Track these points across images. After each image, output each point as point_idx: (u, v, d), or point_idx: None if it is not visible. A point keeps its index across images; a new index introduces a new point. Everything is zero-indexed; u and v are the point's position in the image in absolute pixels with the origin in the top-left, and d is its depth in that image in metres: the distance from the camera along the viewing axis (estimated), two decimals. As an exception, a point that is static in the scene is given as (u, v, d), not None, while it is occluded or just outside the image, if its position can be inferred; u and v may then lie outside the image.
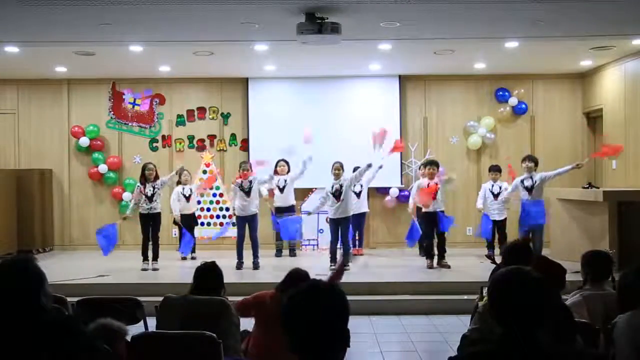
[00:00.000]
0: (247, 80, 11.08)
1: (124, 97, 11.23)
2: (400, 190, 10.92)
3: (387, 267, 9.09)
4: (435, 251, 8.95)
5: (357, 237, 10.19)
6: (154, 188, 8.82)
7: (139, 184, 8.96)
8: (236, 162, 10.23)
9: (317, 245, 10.83)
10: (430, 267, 8.80)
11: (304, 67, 10.28)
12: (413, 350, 6.05)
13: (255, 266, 8.88)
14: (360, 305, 6.71)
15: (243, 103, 11.20)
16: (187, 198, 9.80)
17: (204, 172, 10.66)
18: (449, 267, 8.76)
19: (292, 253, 10.17)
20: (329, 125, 10.61)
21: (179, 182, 9.85)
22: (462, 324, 6.37)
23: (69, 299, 4.46)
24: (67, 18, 6.86)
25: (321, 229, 10.72)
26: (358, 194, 9.68)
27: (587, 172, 10.35)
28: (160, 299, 4.19)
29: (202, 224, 10.70)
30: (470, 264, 9.03)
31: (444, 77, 11.04)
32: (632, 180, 9.23)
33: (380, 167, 9.11)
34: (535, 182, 8.55)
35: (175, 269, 9.12)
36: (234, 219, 9.50)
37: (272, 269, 8.76)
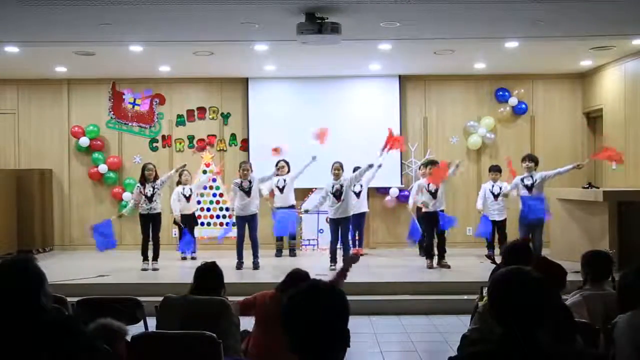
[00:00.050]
0: (247, 80, 11.08)
1: (124, 97, 11.23)
2: (400, 190, 10.93)
3: (387, 267, 9.09)
4: (435, 251, 8.95)
5: (357, 237, 10.19)
6: (153, 188, 8.82)
7: (138, 184, 8.96)
8: (236, 162, 10.22)
9: (317, 245, 10.83)
10: (430, 267, 8.80)
11: (304, 67, 10.28)
12: (413, 350, 6.05)
13: (255, 266, 8.88)
14: (360, 305, 6.72)
15: (243, 103, 11.20)
16: (187, 198, 9.80)
17: (204, 172, 10.65)
18: (448, 267, 8.77)
19: (292, 253, 10.17)
20: (328, 125, 10.51)
21: (179, 182, 9.85)
22: (462, 324, 6.37)
23: (69, 299, 4.46)
24: (67, 18, 6.86)
25: (321, 229, 10.72)
26: (358, 194, 9.68)
27: (587, 172, 10.35)
28: (160, 299, 4.19)
29: (202, 224, 10.70)
30: (470, 264, 9.03)
31: (444, 77, 11.04)
32: (632, 180, 9.22)
33: (380, 166, 9.11)
34: (536, 181, 8.55)
35: (175, 269, 9.12)
36: (234, 219, 9.50)
37: (272, 269, 8.76)
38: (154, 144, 11.23)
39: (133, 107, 11.24)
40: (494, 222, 9.54)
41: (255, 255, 8.92)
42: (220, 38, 7.88)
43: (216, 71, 10.62)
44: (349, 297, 2.02)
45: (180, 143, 11.20)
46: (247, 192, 8.89)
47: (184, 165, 9.50)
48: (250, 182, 8.93)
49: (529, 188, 8.61)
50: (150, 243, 8.96)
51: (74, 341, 2.51)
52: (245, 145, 11.14)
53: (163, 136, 11.24)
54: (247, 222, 8.96)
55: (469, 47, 8.99)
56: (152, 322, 4.34)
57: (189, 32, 7.64)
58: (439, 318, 7.10)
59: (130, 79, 11.10)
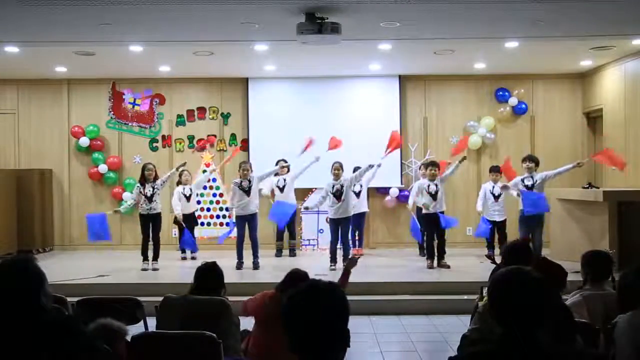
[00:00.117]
0: (247, 80, 11.08)
1: (124, 97, 11.23)
2: (400, 190, 10.93)
3: (387, 267, 9.09)
4: (435, 251, 8.95)
5: (357, 237, 10.19)
6: (153, 188, 8.82)
7: (138, 184, 8.96)
8: (236, 162, 10.21)
9: (317, 245, 10.83)
10: (430, 267, 8.81)
11: (304, 67, 10.28)
12: (413, 350, 6.05)
13: (255, 266, 8.88)
14: (360, 305, 6.71)
15: (243, 103, 11.20)
16: (188, 198, 9.80)
17: (204, 171, 10.65)
18: (448, 267, 8.77)
19: (292, 253, 10.17)
20: (329, 125, 10.60)
21: (179, 182, 9.85)
22: (462, 324, 6.37)
23: (69, 299, 4.46)
24: (67, 18, 6.86)
25: (321, 229, 10.72)
26: (357, 194, 9.68)
27: (587, 172, 10.35)
28: (160, 299, 4.19)
29: (202, 224, 10.71)
30: (470, 264, 9.03)
31: (444, 77, 11.04)
32: (632, 180, 9.22)
33: (379, 165, 9.10)
34: (536, 181, 8.55)
35: (175, 269, 9.12)
36: (234, 219, 9.50)
37: (272, 269, 8.76)
38: (154, 144, 11.23)
39: (133, 107, 11.24)
40: (494, 223, 9.55)
41: (255, 255, 8.92)
42: (220, 38, 7.88)
43: (216, 71, 10.62)
44: (349, 297, 2.02)
45: (180, 143, 11.20)
46: (247, 192, 8.89)
47: (184, 164, 9.48)
48: (250, 181, 8.93)
49: (530, 188, 8.60)
50: (150, 243, 8.96)
51: (74, 341, 2.51)
52: (245, 145, 11.14)
53: (163, 136, 11.24)
54: (247, 222, 8.96)
55: (469, 47, 8.99)
56: (152, 322, 4.34)
57: (189, 32, 7.64)
58: (439, 318, 7.10)
59: (130, 79, 11.10)
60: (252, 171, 9.07)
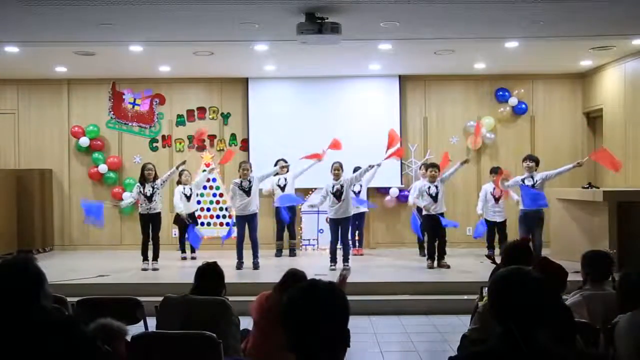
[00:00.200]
0: (247, 80, 11.08)
1: (124, 97, 11.23)
2: (400, 190, 10.93)
3: (387, 267, 9.09)
4: (435, 252, 8.95)
5: (357, 237, 10.20)
6: (153, 188, 8.82)
7: (138, 184, 8.96)
8: (236, 162, 10.21)
9: (317, 245, 10.83)
10: (431, 267, 8.81)
11: (304, 67, 10.28)
12: (413, 350, 6.04)
13: (255, 266, 8.88)
14: (360, 305, 6.71)
15: (243, 103, 11.20)
16: (188, 198, 9.80)
17: (204, 171, 10.64)
18: (448, 267, 8.77)
19: (292, 253, 10.16)
20: (329, 126, 10.61)
21: (179, 182, 9.85)
22: (462, 324, 6.37)
23: (69, 299, 4.46)
24: (67, 18, 6.86)
25: (321, 229, 10.72)
26: (357, 194, 9.68)
27: (587, 172, 10.35)
28: (160, 299, 4.19)
29: (202, 224, 10.71)
30: (470, 264, 9.03)
31: (444, 77, 11.04)
32: (632, 180, 9.23)
33: (379, 165, 9.11)
34: (536, 181, 8.54)
35: (175, 269, 9.12)
36: (234, 219, 9.50)
37: (272, 269, 8.75)
38: (154, 144, 11.23)
39: (133, 107, 11.24)
40: (494, 223, 9.57)
41: (255, 255, 8.92)
42: (220, 38, 7.88)
43: (216, 71, 10.62)
44: (349, 297, 2.02)
45: (180, 143, 11.20)
46: (247, 192, 8.89)
47: (184, 162, 9.47)
48: (250, 181, 8.92)
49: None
50: (150, 243, 8.96)
51: (74, 341, 2.51)
52: (245, 145, 11.14)
53: (163, 136, 11.24)
54: (247, 222, 8.96)
55: (469, 47, 8.99)
56: (152, 322, 4.34)
57: (189, 32, 7.64)
58: (439, 318, 7.10)
59: (130, 79, 11.10)
60: (252, 171, 9.07)
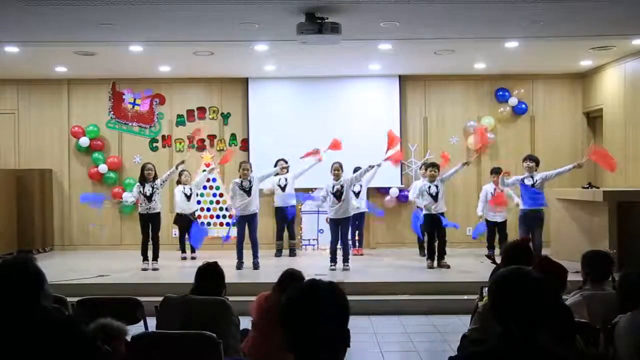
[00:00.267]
0: (247, 80, 11.08)
1: (124, 97, 11.23)
2: (400, 190, 10.93)
3: (387, 267, 9.09)
4: (435, 252, 8.95)
5: (357, 237, 10.20)
6: (153, 188, 8.82)
7: (138, 183, 8.96)
8: (236, 162, 10.21)
9: (317, 245, 10.83)
10: (431, 267, 8.81)
11: (304, 67, 10.28)
12: (413, 350, 6.04)
13: (255, 266, 8.88)
14: (360, 305, 6.70)
15: (243, 103, 11.20)
16: (188, 197, 9.81)
17: (204, 171, 10.64)
18: (448, 267, 8.77)
19: (292, 253, 10.16)
20: (329, 126, 10.61)
21: (179, 182, 9.86)
22: (462, 324, 6.37)
23: (69, 299, 4.46)
24: (67, 18, 6.86)
25: (321, 229, 10.72)
26: (357, 194, 9.68)
27: (587, 172, 10.35)
28: (160, 299, 4.19)
29: (202, 224, 10.70)
30: (470, 264, 9.03)
31: (444, 77, 11.04)
32: (632, 180, 9.23)
33: (379, 165, 9.10)
34: (536, 181, 8.53)
35: (175, 269, 9.12)
36: (234, 219, 9.50)
37: (272, 269, 8.73)
38: (154, 144, 11.23)
39: (133, 107, 11.24)
40: (495, 223, 9.58)
41: (255, 255, 8.92)
42: (220, 38, 7.88)
43: (216, 71, 10.62)
44: (349, 297, 2.01)
45: (180, 143, 11.20)
46: (248, 192, 8.89)
47: (183, 162, 9.45)
48: (250, 181, 8.92)
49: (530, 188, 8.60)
50: (150, 243, 8.96)
51: (74, 341, 2.51)
52: (245, 145, 11.14)
53: (163, 136, 11.24)
54: (247, 222, 8.96)
55: (469, 47, 8.99)
56: (152, 322, 4.34)
57: (189, 32, 7.64)
58: (439, 318, 7.09)
59: (130, 79, 11.10)
60: (252, 171, 9.07)
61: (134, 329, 3.87)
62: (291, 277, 4.22)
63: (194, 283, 4.21)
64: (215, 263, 4.30)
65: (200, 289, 4.14)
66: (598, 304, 3.87)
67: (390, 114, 10.95)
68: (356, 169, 9.28)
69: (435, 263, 8.87)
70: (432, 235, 8.89)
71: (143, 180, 8.85)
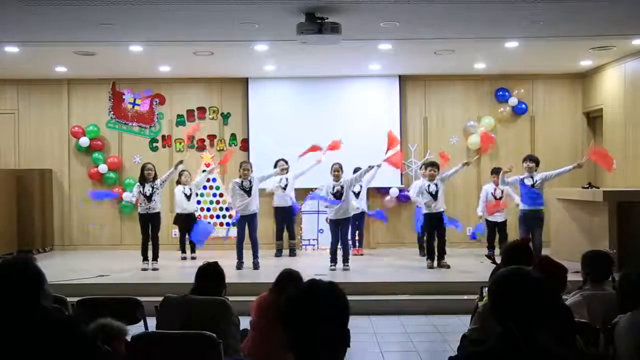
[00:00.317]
0: (247, 80, 11.08)
1: (124, 97, 11.23)
2: (400, 190, 10.93)
3: (387, 267, 9.09)
4: (435, 251, 8.96)
5: (357, 237, 10.20)
6: (152, 188, 8.82)
7: (138, 183, 8.97)
8: (236, 162, 10.21)
9: (317, 245, 10.83)
10: (431, 267, 8.81)
11: (304, 67, 10.28)
12: (413, 350, 6.04)
13: (255, 266, 8.88)
14: (360, 305, 6.70)
15: (243, 103, 11.20)
16: (188, 197, 9.81)
17: (204, 171, 10.64)
18: (448, 267, 8.77)
19: (292, 253, 10.16)
20: (329, 126, 10.61)
21: (178, 182, 9.86)
22: (462, 324, 6.37)
23: (69, 299, 4.46)
24: (67, 18, 6.86)
25: (321, 229, 10.72)
26: (357, 194, 9.68)
27: (587, 172, 10.34)
28: (160, 299, 4.19)
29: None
30: (470, 264, 9.03)
31: (444, 77, 11.04)
32: (632, 180, 9.22)
33: (379, 166, 9.10)
34: (536, 181, 8.53)
35: (175, 269, 9.12)
36: (234, 219, 9.50)
37: (272, 269, 8.71)
38: (154, 144, 11.23)
39: (133, 107, 11.24)
40: (495, 223, 9.58)
41: (255, 255, 8.92)
42: (220, 38, 7.88)
43: (216, 71, 10.62)
44: (349, 297, 2.02)
45: (180, 143, 11.20)
46: (248, 192, 8.89)
47: (181, 162, 9.43)
48: (250, 181, 8.93)
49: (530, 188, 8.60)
50: (150, 243, 8.96)
51: (74, 341, 2.51)
52: (245, 145, 11.14)
53: (163, 136, 11.24)
54: (247, 222, 8.96)
55: (469, 47, 8.99)
56: (152, 322, 4.34)
57: (189, 32, 7.64)
58: (439, 318, 7.09)
59: (130, 79, 11.10)
60: (252, 171, 9.07)
61: (134, 329, 3.87)
62: (289, 277, 4.22)
63: (194, 283, 4.21)
64: (216, 263, 4.30)
65: (200, 289, 4.14)
66: (598, 304, 3.87)
67: (390, 114, 10.95)
68: (356, 170, 9.27)
69: (435, 263, 8.87)
70: (432, 234, 8.89)
71: (143, 180, 8.86)
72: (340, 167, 8.83)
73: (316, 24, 6.55)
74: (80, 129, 11.03)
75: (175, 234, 10.68)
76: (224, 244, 9.90)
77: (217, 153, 11.12)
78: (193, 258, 9.74)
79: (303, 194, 10.61)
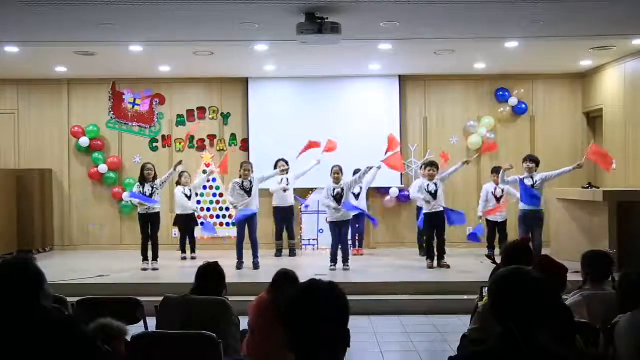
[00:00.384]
0: (247, 80, 11.08)
1: (124, 97, 11.23)
2: (400, 190, 10.93)
3: (387, 267, 9.09)
4: (435, 251, 8.96)
5: (357, 238, 10.20)
6: (152, 188, 8.82)
7: (138, 183, 8.97)
8: (236, 162, 10.21)
9: (317, 245, 10.83)
10: (430, 267, 8.81)
11: (304, 67, 10.28)
12: (413, 350, 6.04)
13: (255, 266, 8.88)
14: (360, 305, 6.69)
15: (243, 103, 11.20)
16: (188, 198, 9.81)
17: (204, 172, 10.64)
18: (448, 267, 8.77)
19: (292, 253, 10.16)
20: (329, 125, 10.61)
21: (178, 183, 9.86)
22: (462, 324, 6.37)
23: (69, 299, 4.46)
24: (67, 18, 6.86)
25: (321, 229, 10.72)
26: (357, 195, 9.67)
27: (587, 172, 10.34)
28: (160, 299, 4.19)
29: (202, 224, 10.70)
30: (470, 264, 9.04)
31: (444, 77, 11.04)
32: (632, 180, 9.23)
33: (379, 167, 9.10)
34: (536, 181, 8.53)
35: (175, 269, 9.12)
36: (233, 219, 9.51)
37: (272, 269, 8.63)
38: (154, 144, 11.23)
39: (133, 107, 11.24)
40: (495, 223, 9.58)
41: (255, 255, 8.92)
42: (220, 38, 7.88)
43: (216, 71, 10.62)
44: (349, 297, 2.02)
45: (180, 143, 11.20)
46: (248, 192, 8.90)
47: (180, 162, 9.43)
48: (250, 182, 8.93)
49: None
50: (150, 243, 8.96)
51: (74, 341, 2.51)
52: (245, 145, 11.14)
53: (163, 136, 11.24)
54: (247, 222, 8.96)
55: (469, 47, 8.99)
56: (152, 322, 4.34)
57: (189, 32, 7.64)
58: (439, 318, 7.09)
59: (130, 79, 11.10)
60: (252, 171, 9.07)
61: (134, 329, 3.87)
62: (285, 276, 4.22)
63: (194, 283, 4.21)
64: (216, 263, 4.30)
65: (200, 289, 4.14)
66: (598, 304, 3.87)
67: (390, 114, 10.95)
68: (356, 171, 9.26)
69: (435, 263, 8.87)
70: (431, 234, 8.89)
71: (143, 180, 8.86)
72: (340, 169, 8.83)
73: (316, 24, 6.55)
74: (80, 129, 11.03)
75: (175, 234, 10.69)
76: (224, 244, 9.92)
77: (217, 153, 11.12)
78: (193, 258, 9.74)
79: (303, 194, 10.64)
